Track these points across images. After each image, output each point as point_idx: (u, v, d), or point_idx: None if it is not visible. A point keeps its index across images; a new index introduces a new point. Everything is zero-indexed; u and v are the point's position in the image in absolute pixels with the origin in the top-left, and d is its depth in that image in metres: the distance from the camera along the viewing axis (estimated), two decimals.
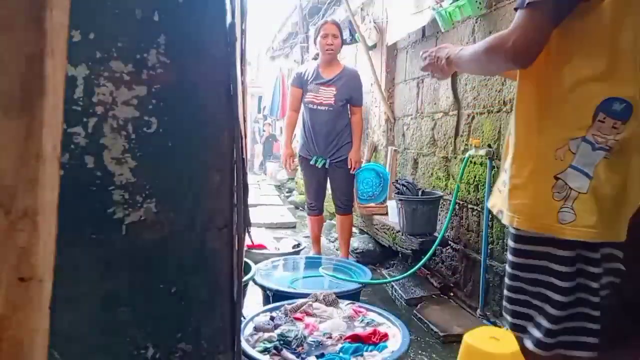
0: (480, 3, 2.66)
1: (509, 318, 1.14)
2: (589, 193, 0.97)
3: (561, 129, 1.00)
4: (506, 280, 1.14)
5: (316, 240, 3.67)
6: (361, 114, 3.51)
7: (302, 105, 3.50)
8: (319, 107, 3.37)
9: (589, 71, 0.97)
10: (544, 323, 1.05)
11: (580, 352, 1.04)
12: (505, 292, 1.14)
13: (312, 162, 3.45)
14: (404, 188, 3.12)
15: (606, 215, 0.99)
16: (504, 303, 1.14)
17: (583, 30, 0.98)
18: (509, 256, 1.12)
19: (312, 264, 3.08)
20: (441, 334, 2.33)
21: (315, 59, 3.60)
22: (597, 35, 0.97)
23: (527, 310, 1.09)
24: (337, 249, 4.16)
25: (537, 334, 1.06)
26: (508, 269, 1.13)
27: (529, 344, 1.07)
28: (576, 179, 0.97)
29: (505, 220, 1.09)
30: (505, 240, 2.46)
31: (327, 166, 3.43)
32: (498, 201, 1.17)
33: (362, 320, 2.09)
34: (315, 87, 3.39)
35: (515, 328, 1.13)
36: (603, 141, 0.96)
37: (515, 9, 1.01)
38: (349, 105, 3.44)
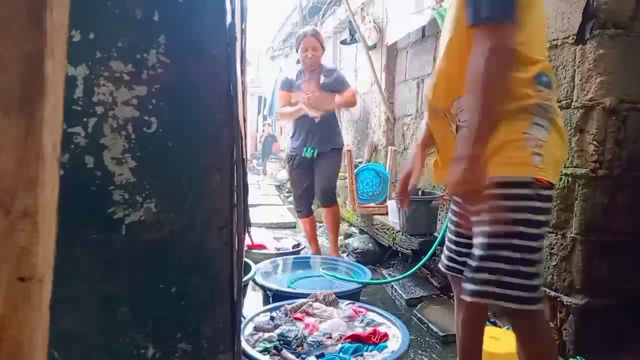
0: None
1: (494, 289, 1.19)
2: (549, 141, 1.19)
3: (518, 104, 1.19)
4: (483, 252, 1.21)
5: (313, 240, 3.69)
6: (353, 93, 3.50)
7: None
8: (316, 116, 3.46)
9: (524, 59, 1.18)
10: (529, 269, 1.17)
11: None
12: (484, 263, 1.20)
13: (303, 155, 3.47)
14: None
15: (557, 161, 1.24)
16: (480, 277, 1.20)
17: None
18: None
19: (312, 263, 3.08)
20: (441, 334, 2.33)
21: (298, 62, 3.70)
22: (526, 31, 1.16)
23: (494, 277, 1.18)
24: None
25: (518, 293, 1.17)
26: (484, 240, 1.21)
27: (511, 304, 1.17)
28: (539, 131, 1.18)
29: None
30: None
31: (315, 155, 3.46)
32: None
33: (362, 320, 2.09)
34: (299, 86, 3.51)
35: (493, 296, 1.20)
36: (547, 104, 1.20)
37: (477, 24, 1.10)
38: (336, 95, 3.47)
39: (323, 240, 4.23)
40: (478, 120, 1.09)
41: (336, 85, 3.45)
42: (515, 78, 1.15)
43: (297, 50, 3.59)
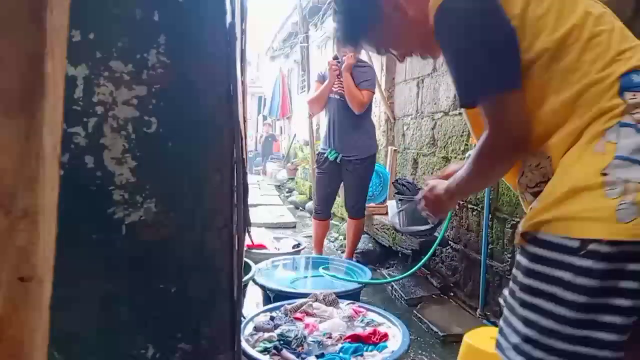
0: None
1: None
2: None
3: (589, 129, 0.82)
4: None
5: (318, 244, 3.60)
6: (361, 101, 3.31)
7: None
8: (337, 97, 3.35)
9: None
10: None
11: None
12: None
13: (326, 155, 3.40)
14: (404, 188, 3.12)
15: None
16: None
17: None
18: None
19: (312, 263, 3.08)
20: (441, 334, 2.33)
21: (335, 59, 3.50)
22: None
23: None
24: (336, 249, 4.16)
25: None
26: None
27: None
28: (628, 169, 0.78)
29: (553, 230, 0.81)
30: (504, 240, 2.46)
31: (338, 161, 3.35)
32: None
33: (362, 320, 2.09)
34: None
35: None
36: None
37: (472, 104, 0.93)
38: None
39: (325, 242, 4.23)
40: (464, 183, 1.02)
41: (359, 77, 3.27)
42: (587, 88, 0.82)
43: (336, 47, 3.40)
